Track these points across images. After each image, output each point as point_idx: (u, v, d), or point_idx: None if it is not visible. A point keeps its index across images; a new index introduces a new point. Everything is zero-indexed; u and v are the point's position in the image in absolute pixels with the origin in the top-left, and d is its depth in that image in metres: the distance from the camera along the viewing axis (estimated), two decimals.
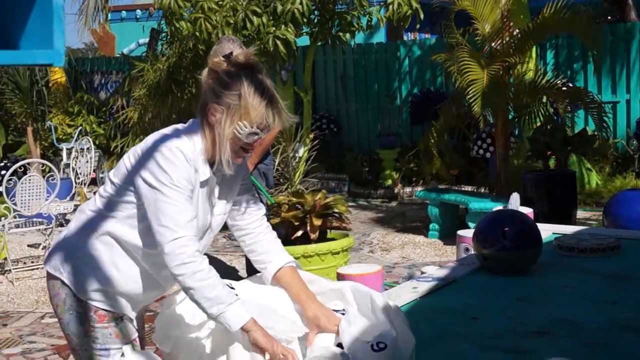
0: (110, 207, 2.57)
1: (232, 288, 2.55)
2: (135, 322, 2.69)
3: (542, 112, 8.77)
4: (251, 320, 2.41)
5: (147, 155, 2.47)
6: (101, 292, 2.59)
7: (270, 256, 2.72)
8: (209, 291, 2.40)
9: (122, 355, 2.55)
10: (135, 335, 2.68)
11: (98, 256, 2.58)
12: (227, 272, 7.03)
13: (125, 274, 2.59)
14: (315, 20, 9.56)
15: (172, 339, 2.61)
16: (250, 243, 2.76)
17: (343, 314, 2.52)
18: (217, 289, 2.41)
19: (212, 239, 2.77)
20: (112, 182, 2.58)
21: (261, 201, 6.15)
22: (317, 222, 5.89)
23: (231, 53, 2.52)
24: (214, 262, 7.30)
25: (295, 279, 2.67)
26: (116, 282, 2.59)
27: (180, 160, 2.44)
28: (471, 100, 7.72)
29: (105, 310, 2.61)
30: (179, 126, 2.60)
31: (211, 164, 2.54)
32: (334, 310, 2.55)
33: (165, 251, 2.41)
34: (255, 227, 2.76)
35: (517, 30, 8.28)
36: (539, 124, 9.08)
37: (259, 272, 2.74)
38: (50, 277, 2.68)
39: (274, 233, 2.80)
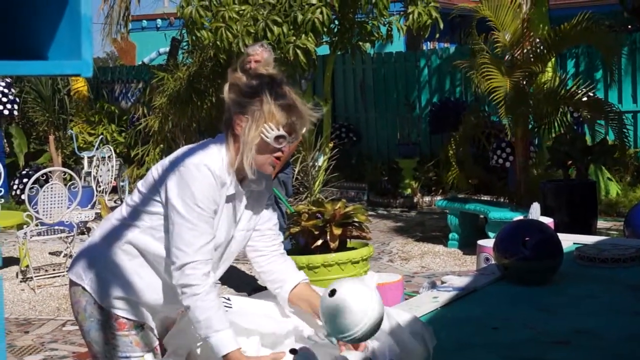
0: (135, 216, 2.59)
1: (228, 300, 2.59)
2: (155, 331, 2.71)
3: (562, 121, 8.74)
4: (236, 352, 2.40)
5: (175, 171, 2.49)
6: (123, 300, 2.61)
7: (285, 275, 2.73)
8: (200, 313, 2.43)
9: None
10: (156, 343, 2.69)
11: (121, 265, 2.59)
12: (246, 281, 7.04)
13: (147, 284, 2.61)
14: (335, 30, 9.59)
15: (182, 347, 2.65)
16: (265, 264, 2.77)
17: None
18: (208, 313, 2.43)
19: (236, 254, 2.77)
20: (139, 192, 2.60)
21: (280, 210, 6.21)
22: (337, 231, 5.88)
23: (250, 68, 2.56)
24: (234, 270, 7.33)
25: (312, 292, 2.68)
26: (138, 292, 2.60)
27: (206, 178, 2.45)
28: (498, 108, 7.74)
29: (126, 318, 2.62)
30: (208, 141, 2.62)
31: (241, 179, 2.56)
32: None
33: (175, 270, 2.46)
34: (272, 250, 2.78)
35: (538, 40, 8.27)
36: (558, 133, 9.04)
37: None
38: (72, 284, 2.70)
39: (288, 257, 2.82)
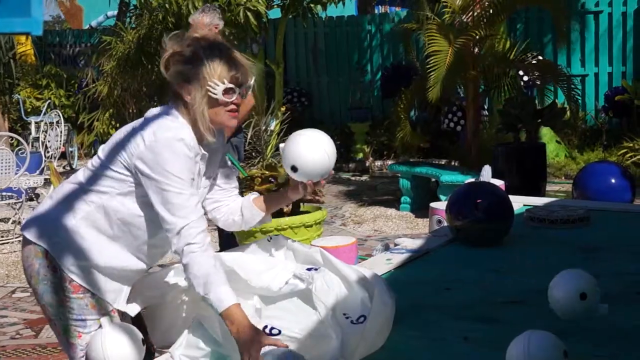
0: (98, 182, 2.55)
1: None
2: (108, 302, 2.67)
3: (513, 84, 8.82)
4: (236, 306, 2.33)
5: (147, 145, 2.46)
6: (78, 266, 2.57)
7: (241, 203, 2.80)
8: (198, 269, 2.39)
9: (100, 327, 2.54)
10: (111, 307, 2.66)
11: (80, 230, 2.55)
12: None
13: (105, 250, 2.57)
14: None
15: (145, 300, 2.63)
16: (225, 211, 2.80)
17: (316, 269, 2.52)
18: (206, 269, 2.39)
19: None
20: (100, 159, 2.57)
21: None
22: None
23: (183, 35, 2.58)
24: None
25: (263, 198, 2.79)
26: (95, 258, 2.57)
27: (183, 151, 2.45)
28: (429, 71, 7.74)
29: (79, 284, 2.59)
30: (163, 111, 2.59)
31: (199, 140, 2.56)
32: (307, 269, 2.55)
33: (173, 236, 2.44)
34: (231, 201, 2.80)
35: (487, 3, 8.29)
36: (509, 96, 9.12)
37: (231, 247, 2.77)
38: (26, 242, 2.64)
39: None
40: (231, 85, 2.49)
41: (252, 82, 2.58)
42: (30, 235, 2.63)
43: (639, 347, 2.24)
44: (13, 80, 12.46)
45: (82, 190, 2.59)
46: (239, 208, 2.78)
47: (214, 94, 2.47)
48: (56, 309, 2.63)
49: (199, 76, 2.48)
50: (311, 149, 2.58)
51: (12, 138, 8.67)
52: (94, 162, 2.61)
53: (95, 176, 2.58)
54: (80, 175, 2.64)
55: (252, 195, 2.80)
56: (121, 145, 2.53)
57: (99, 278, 2.61)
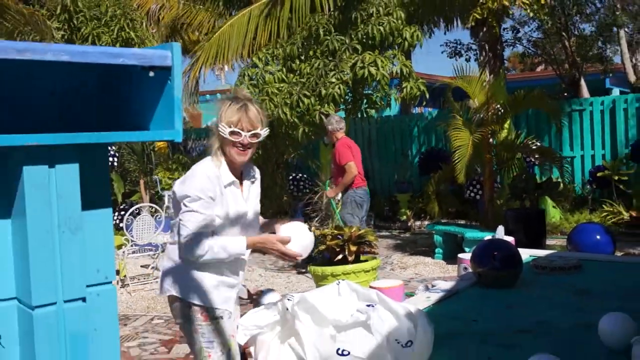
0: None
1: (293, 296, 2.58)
2: (231, 320, 2.68)
3: (518, 165, 8.72)
4: (247, 240, 2.52)
5: (180, 180, 2.56)
6: (198, 293, 2.60)
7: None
8: (217, 251, 2.48)
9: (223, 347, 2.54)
10: (232, 331, 2.67)
11: (183, 270, 2.60)
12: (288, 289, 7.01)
13: (209, 277, 2.61)
14: (349, 100, 9.65)
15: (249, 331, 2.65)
16: None
17: (373, 306, 2.50)
18: (218, 245, 2.47)
19: (256, 223, 2.76)
20: (173, 217, 2.65)
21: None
22: (353, 248, 5.88)
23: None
24: (277, 278, 7.31)
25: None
26: (201, 282, 2.60)
27: (200, 175, 2.50)
28: (456, 161, 7.70)
29: (205, 308, 2.59)
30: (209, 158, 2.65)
31: (240, 174, 2.63)
32: (366, 305, 2.51)
33: (181, 243, 2.48)
34: None
35: (498, 105, 8.27)
36: (516, 173, 9.03)
37: None
38: (169, 297, 2.70)
39: None
40: (237, 130, 2.50)
41: (262, 131, 2.56)
42: (164, 292, 2.67)
43: None
44: (153, 165, 12.78)
45: (173, 245, 2.63)
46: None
47: (223, 133, 2.50)
48: (191, 336, 2.65)
49: (219, 118, 2.52)
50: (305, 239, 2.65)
51: (152, 207, 8.86)
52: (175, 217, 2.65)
53: (174, 229, 2.60)
54: (171, 236, 2.68)
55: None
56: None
57: (214, 297, 2.62)
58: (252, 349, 2.64)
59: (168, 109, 1.45)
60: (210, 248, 2.47)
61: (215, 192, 2.51)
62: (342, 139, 7.33)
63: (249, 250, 2.55)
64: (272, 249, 2.51)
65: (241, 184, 2.65)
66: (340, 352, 2.28)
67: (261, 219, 2.82)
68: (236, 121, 2.50)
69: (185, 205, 2.47)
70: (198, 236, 2.46)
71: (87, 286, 1.47)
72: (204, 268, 2.59)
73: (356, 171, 7.02)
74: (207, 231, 2.49)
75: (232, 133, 2.50)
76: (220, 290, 2.64)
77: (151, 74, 1.45)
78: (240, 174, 2.64)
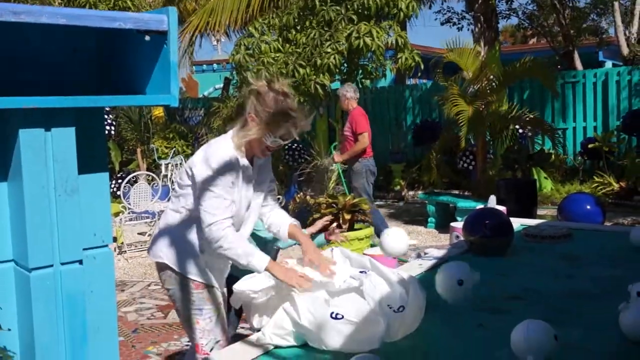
0: (184, 202, 2.60)
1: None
2: (220, 289, 2.71)
3: (511, 136, 8.72)
4: (270, 262, 2.44)
5: (201, 159, 2.53)
6: (193, 265, 2.61)
7: (281, 220, 2.81)
8: (235, 248, 2.45)
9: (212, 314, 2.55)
10: (220, 299, 2.69)
11: (189, 244, 2.59)
12: None
13: (199, 248, 2.61)
14: (345, 70, 9.59)
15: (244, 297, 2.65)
16: (268, 213, 2.82)
17: (366, 272, 2.51)
18: (240, 246, 2.45)
19: (257, 212, 2.76)
20: (180, 186, 2.63)
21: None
22: (347, 216, 5.91)
23: (272, 80, 2.56)
24: None
25: (298, 231, 2.78)
26: (197, 255, 2.60)
27: (225, 160, 2.49)
28: (460, 126, 7.71)
29: (199, 281, 2.62)
30: (222, 136, 2.64)
31: (250, 158, 2.61)
32: (360, 271, 2.52)
33: (205, 227, 2.46)
34: (271, 209, 2.84)
35: (492, 77, 8.23)
36: (508, 145, 9.03)
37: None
38: (156, 263, 2.70)
39: (281, 209, 2.89)
40: (279, 141, 2.52)
41: (295, 135, 2.57)
42: (154, 258, 2.68)
43: (607, 330, 2.18)
44: (150, 134, 12.72)
45: (177, 212, 2.62)
46: (278, 224, 2.80)
47: (266, 140, 2.50)
48: (181, 302, 2.66)
49: (267, 124, 2.48)
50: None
51: (148, 175, 8.84)
52: (176, 187, 2.64)
53: (180, 198, 2.60)
54: (172, 203, 2.67)
55: (292, 221, 2.82)
56: (189, 170, 2.58)
57: (208, 273, 2.63)
58: (246, 314, 2.66)
59: (164, 73, 1.44)
60: (234, 248, 2.45)
61: (234, 177, 2.53)
62: (357, 108, 7.31)
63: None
64: (289, 285, 2.43)
65: (252, 164, 2.65)
66: (334, 315, 2.29)
67: (292, 230, 2.77)
68: (282, 135, 2.51)
69: (210, 190, 2.45)
70: (225, 227, 2.46)
71: (84, 249, 1.47)
72: (202, 247, 2.60)
73: (368, 142, 7.00)
74: (232, 221, 2.50)
75: (273, 141, 2.52)
76: (214, 267, 2.66)
77: (147, 37, 1.43)
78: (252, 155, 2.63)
